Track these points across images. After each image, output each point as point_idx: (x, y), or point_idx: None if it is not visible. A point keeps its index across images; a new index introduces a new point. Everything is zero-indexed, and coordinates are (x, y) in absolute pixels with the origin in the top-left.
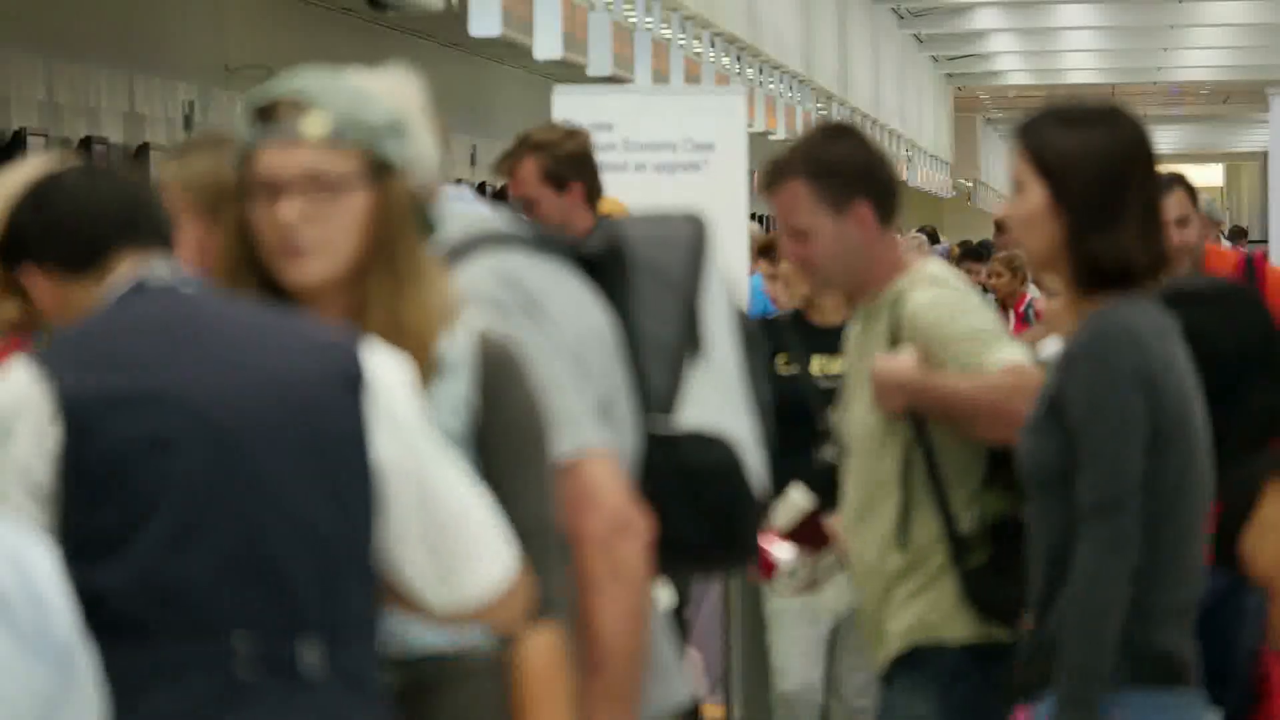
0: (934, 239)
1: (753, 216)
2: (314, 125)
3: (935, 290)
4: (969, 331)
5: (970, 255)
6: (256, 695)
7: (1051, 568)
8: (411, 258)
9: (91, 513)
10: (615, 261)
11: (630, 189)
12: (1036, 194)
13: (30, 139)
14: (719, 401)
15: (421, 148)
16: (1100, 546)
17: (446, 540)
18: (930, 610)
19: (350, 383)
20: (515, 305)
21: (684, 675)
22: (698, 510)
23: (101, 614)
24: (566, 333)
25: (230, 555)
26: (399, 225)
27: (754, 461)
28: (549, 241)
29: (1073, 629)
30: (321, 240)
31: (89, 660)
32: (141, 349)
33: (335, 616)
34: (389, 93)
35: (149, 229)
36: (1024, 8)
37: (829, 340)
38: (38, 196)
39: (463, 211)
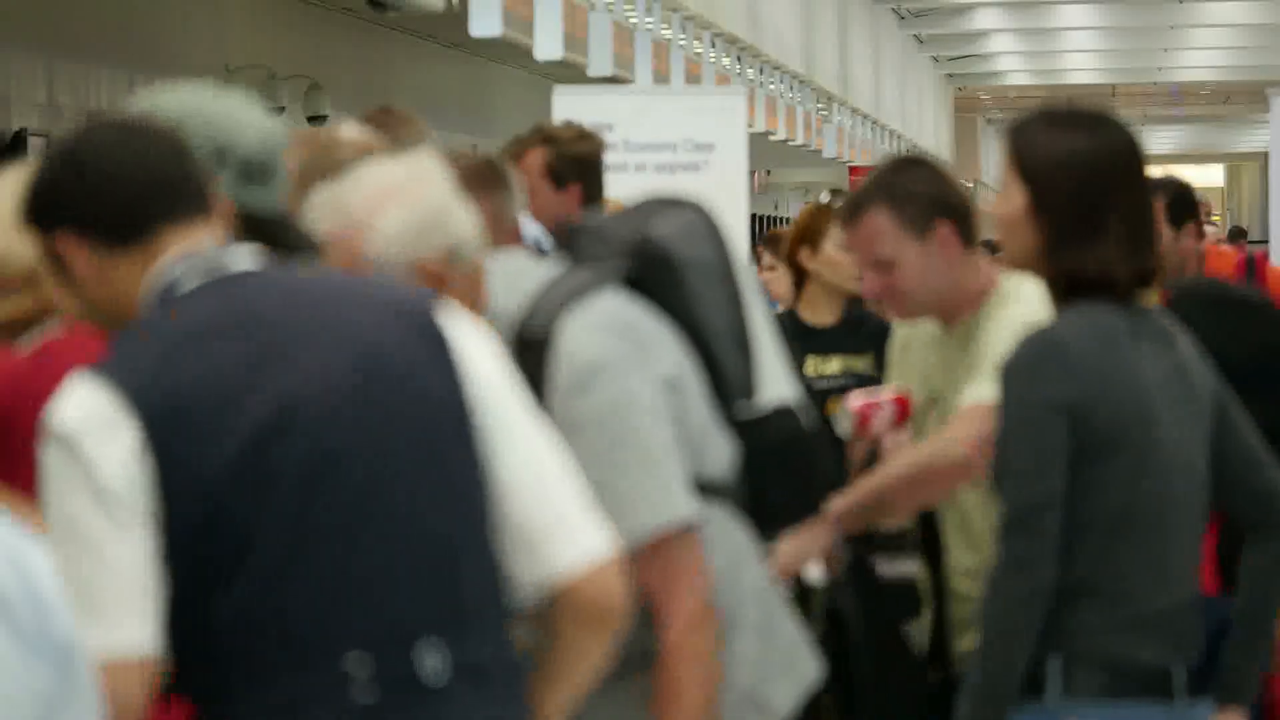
0: None
1: (752, 219)
2: None
3: (1014, 315)
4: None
5: None
6: (379, 717)
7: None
8: None
9: (191, 543)
10: (665, 267)
11: (630, 189)
12: (1017, 197)
13: (30, 139)
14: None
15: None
16: (1005, 566)
17: (533, 514)
18: None
19: (435, 346)
20: (633, 352)
21: (810, 653)
22: (788, 475)
23: (216, 652)
24: (668, 364)
25: (332, 577)
26: None
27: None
28: (610, 268)
29: (978, 648)
30: None
31: (89, 661)
32: (219, 356)
33: (451, 611)
34: (253, 123)
35: (194, 198)
36: (1024, 8)
37: (822, 340)
38: (73, 156)
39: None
